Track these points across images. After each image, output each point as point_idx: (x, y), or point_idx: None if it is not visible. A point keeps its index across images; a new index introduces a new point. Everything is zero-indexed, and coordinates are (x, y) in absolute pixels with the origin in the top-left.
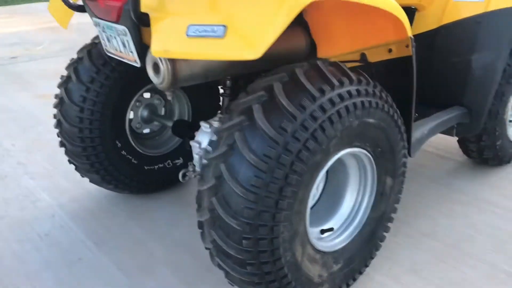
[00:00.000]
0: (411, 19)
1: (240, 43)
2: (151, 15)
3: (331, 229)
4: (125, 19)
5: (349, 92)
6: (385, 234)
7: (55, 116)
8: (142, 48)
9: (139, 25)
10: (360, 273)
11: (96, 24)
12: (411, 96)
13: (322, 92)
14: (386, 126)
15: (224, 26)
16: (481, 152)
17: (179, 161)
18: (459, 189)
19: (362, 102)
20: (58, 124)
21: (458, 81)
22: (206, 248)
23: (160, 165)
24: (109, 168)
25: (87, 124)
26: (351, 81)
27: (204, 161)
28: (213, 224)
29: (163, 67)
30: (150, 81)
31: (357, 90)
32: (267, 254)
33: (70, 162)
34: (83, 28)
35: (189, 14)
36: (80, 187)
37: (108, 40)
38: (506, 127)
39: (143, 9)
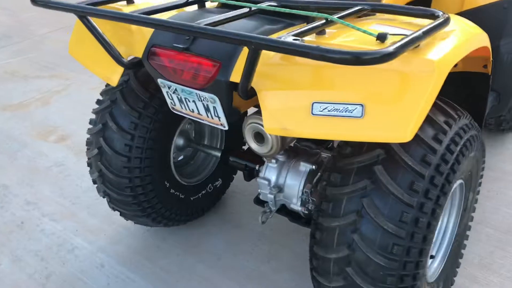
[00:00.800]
0: (428, 4)
1: (386, 125)
2: (257, 88)
3: (432, 257)
4: (216, 88)
5: (464, 129)
6: (465, 242)
7: (90, 165)
8: (232, 113)
9: (237, 95)
10: (452, 284)
11: (164, 86)
12: (484, 111)
13: (441, 140)
14: (478, 154)
15: (361, 105)
16: (499, 124)
17: (219, 182)
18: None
19: (472, 136)
20: (99, 175)
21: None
22: None
23: (204, 192)
24: (161, 210)
25: (137, 173)
26: (461, 116)
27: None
28: None
29: (271, 138)
30: None
31: (468, 125)
32: None
33: (114, 209)
34: (7, 7)
35: (309, 90)
36: (111, 222)
37: (181, 102)
38: None
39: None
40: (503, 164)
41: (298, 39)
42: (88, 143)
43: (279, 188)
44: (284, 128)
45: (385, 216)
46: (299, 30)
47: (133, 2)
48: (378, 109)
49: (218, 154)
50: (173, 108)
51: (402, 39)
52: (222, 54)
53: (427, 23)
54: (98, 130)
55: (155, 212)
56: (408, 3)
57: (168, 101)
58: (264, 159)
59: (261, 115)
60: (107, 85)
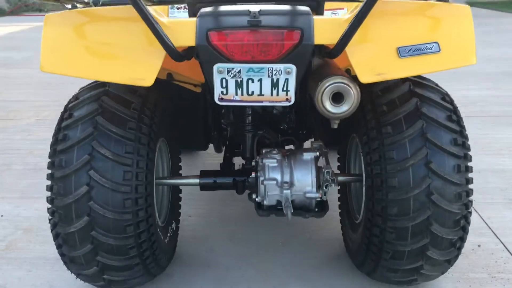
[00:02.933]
0: None
1: (458, 54)
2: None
3: None
4: (296, 55)
5: None
6: None
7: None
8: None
9: (326, 57)
10: None
11: (222, 71)
12: None
13: None
14: None
15: (436, 42)
16: None
17: (174, 224)
18: None
19: None
20: (90, 218)
21: None
22: None
23: (169, 234)
24: (157, 255)
25: (142, 204)
26: None
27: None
28: None
29: (354, 92)
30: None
31: None
32: None
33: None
34: None
35: (392, 38)
36: None
37: (239, 86)
38: None
39: (325, 42)
40: None
41: None
42: (61, 186)
43: (290, 183)
44: (379, 73)
45: (446, 143)
46: None
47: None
48: (449, 43)
49: (196, 181)
50: (221, 98)
51: None
52: (299, 22)
53: None
54: (83, 164)
55: (152, 258)
56: None
57: (219, 90)
58: (263, 161)
59: (337, 76)
60: (65, 118)
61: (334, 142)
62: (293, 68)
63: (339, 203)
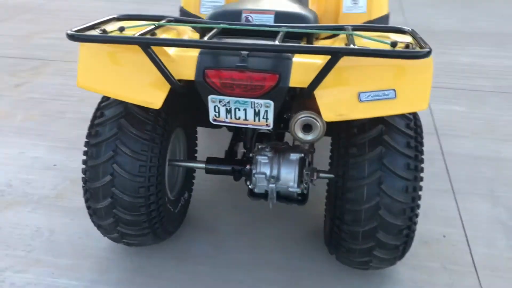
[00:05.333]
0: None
1: (412, 101)
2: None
3: None
4: (274, 94)
5: None
6: None
7: (94, 194)
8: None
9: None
10: None
11: (214, 101)
12: None
13: None
14: None
15: (393, 90)
16: None
17: (186, 194)
18: None
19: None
20: (112, 201)
21: None
22: None
23: (180, 204)
24: (165, 225)
25: (152, 191)
26: None
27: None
28: None
29: (319, 124)
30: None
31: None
32: None
33: (119, 234)
34: None
35: (355, 84)
36: (85, 256)
37: (228, 112)
38: None
39: (297, 85)
40: None
41: (364, 47)
42: (91, 173)
43: (276, 178)
44: (340, 114)
45: (399, 168)
46: (350, 43)
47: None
48: (404, 91)
49: (203, 165)
50: (215, 119)
51: (419, 44)
52: (278, 67)
53: (396, 35)
54: (108, 158)
55: (160, 227)
56: None
57: (212, 114)
58: (256, 157)
59: (308, 110)
60: (98, 116)
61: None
62: (271, 103)
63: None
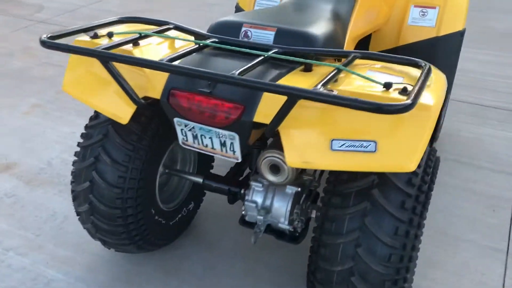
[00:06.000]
0: (368, 40)
1: (395, 158)
2: (280, 126)
3: None
4: (238, 127)
5: None
6: None
7: (76, 197)
8: (246, 146)
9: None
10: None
11: (180, 124)
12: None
13: None
14: None
15: (374, 142)
16: None
17: (191, 205)
18: None
19: (436, 157)
20: (90, 207)
21: None
22: None
23: (180, 216)
24: (147, 237)
25: (130, 203)
26: None
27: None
28: None
29: (287, 170)
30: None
31: (433, 149)
32: None
33: (101, 240)
34: None
35: (328, 129)
36: (82, 251)
37: (195, 138)
38: None
39: (262, 120)
40: None
41: (331, 90)
42: (76, 175)
43: (267, 210)
44: (306, 161)
45: (384, 231)
46: (324, 81)
47: (138, 44)
48: (388, 145)
49: (200, 180)
50: (184, 143)
51: (411, 91)
52: (245, 98)
53: (410, 70)
54: (90, 164)
55: (142, 239)
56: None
57: (181, 137)
58: (250, 183)
59: (276, 149)
60: (93, 118)
61: None
62: (235, 135)
63: None
